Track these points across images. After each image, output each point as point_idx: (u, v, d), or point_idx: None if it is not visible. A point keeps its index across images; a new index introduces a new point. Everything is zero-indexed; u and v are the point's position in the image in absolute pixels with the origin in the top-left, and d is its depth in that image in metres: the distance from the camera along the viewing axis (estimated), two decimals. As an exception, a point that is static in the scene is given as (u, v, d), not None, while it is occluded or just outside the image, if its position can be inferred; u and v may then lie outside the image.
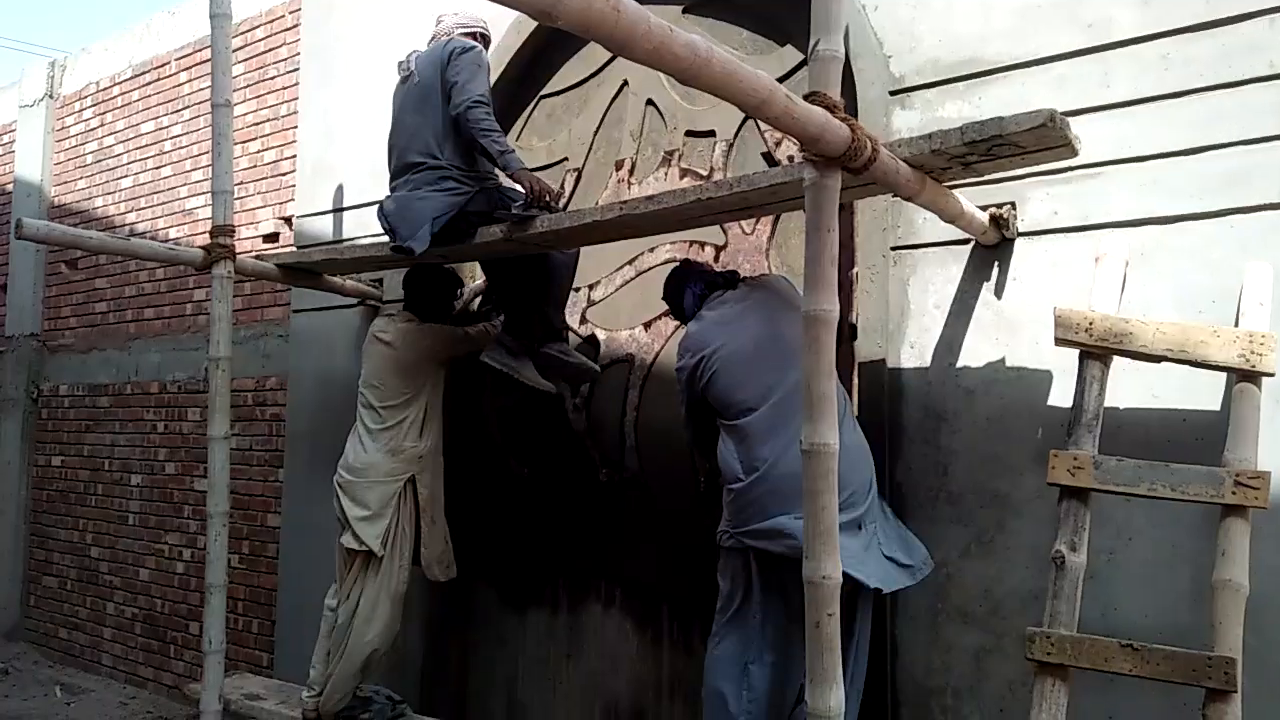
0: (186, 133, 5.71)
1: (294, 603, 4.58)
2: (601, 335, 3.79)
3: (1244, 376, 2.28)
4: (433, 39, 3.44)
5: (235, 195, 4.44)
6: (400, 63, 3.48)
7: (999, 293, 2.76)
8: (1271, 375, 2.25)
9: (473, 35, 3.40)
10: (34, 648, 6.30)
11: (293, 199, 4.87)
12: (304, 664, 3.99)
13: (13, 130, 6.97)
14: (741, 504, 2.63)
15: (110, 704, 5.27)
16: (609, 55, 3.76)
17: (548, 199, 3.08)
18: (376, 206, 3.44)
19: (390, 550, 3.44)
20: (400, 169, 3.35)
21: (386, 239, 3.49)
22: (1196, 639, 2.26)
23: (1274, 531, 2.27)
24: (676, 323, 3.37)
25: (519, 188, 3.23)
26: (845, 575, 1.87)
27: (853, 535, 2.45)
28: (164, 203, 5.80)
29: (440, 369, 3.59)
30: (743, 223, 3.38)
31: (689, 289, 3.01)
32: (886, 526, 2.65)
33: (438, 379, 3.59)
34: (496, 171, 3.31)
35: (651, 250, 3.65)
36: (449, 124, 3.22)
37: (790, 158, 3.21)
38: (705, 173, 3.50)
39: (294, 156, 4.91)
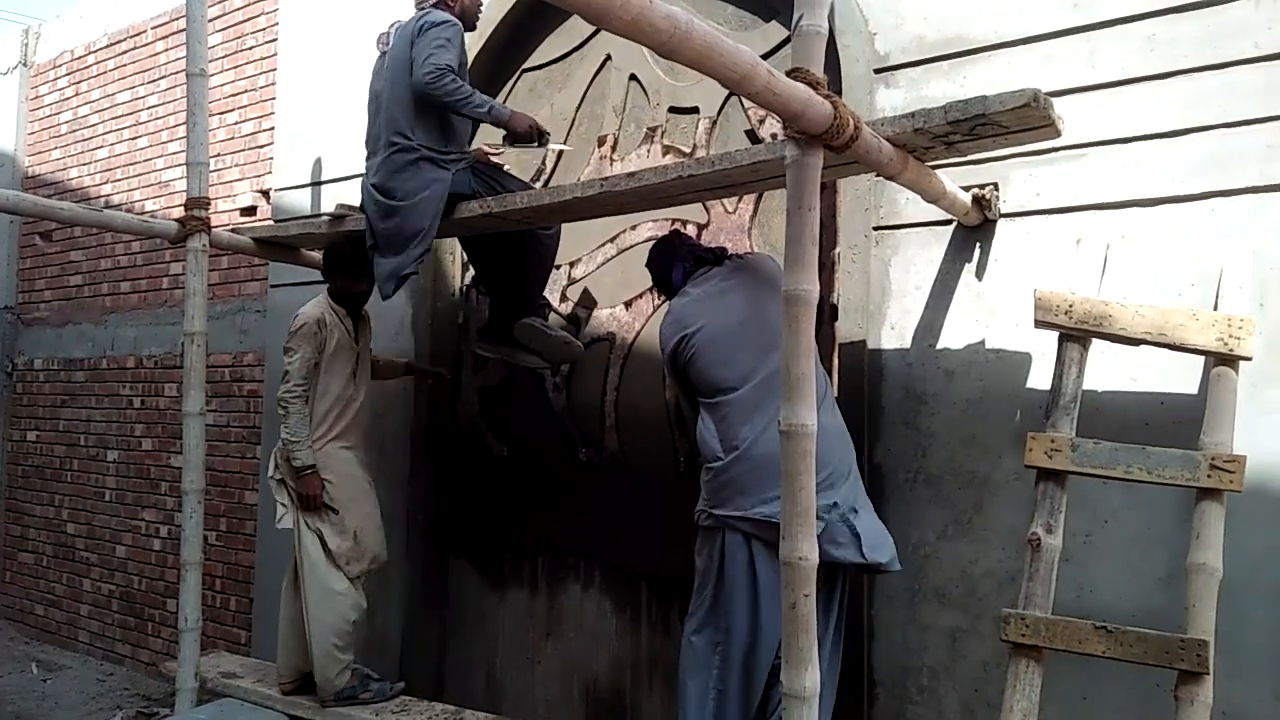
0: (163, 103, 5.62)
1: (272, 580, 4.54)
2: (582, 314, 3.76)
3: (1222, 360, 2.28)
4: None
5: (212, 167, 4.37)
6: (380, 35, 3.41)
7: (980, 274, 2.76)
8: (1249, 359, 2.26)
9: (445, 3, 3.26)
10: (9, 624, 6.26)
11: (270, 171, 4.80)
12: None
13: (-14, 99, 6.85)
14: (720, 483, 2.62)
15: (87, 681, 5.24)
16: (592, 29, 3.71)
17: (543, 132, 3.13)
18: (360, 185, 3.36)
19: (303, 533, 3.39)
20: (374, 148, 3.27)
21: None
22: (1171, 621, 2.28)
23: (1248, 515, 2.29)
24: (657, 301, 3.34)
25: (496, 161, 3.18)
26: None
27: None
28: (140, 174, 5.71)
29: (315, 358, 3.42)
30: (725, 201, 3.35)
31: (677, 264, 2.96)
32: (866, 516, 2.62)
33: (321, 370, 3.44)
34: (469, 151, 3.25)
35: (633, 228, 3.62)
36: (418, 102, 3.11)
37: (774, 135, 3.18)
38: (688, 150, 3.47)
39: (272, 129, 4.83)
